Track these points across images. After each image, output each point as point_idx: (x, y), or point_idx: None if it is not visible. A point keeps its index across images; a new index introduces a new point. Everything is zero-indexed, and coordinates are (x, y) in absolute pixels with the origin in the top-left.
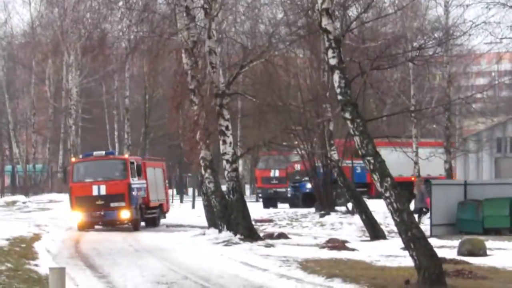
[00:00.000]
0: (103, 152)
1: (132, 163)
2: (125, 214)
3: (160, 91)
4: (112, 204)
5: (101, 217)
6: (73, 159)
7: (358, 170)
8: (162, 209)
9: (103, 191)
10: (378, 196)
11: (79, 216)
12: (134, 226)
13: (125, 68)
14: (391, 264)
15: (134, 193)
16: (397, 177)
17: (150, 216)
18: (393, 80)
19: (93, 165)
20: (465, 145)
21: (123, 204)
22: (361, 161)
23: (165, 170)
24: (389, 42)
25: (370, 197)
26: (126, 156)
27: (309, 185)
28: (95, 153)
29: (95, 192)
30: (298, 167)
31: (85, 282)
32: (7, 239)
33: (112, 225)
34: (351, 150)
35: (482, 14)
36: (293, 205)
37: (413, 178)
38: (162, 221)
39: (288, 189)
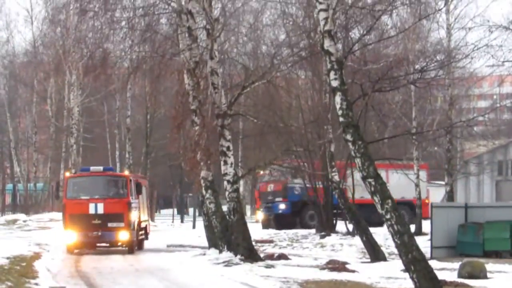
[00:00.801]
0: (101, 168)
1: (130, 180)
2: (123, 236)
3: (161, 111)
4: (110, 224)
5: (98, 238)
6: (67, 174)
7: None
8: (146, 230)
9: (100, 210)
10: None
11: (72, 236)
12: (129, 249)
13: (126, 88)
14: (391, 286)
15: (132, 213)
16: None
17: (140, 238)
18: (395, 102)
19: (89, 181)
20: (466, 168)
21: (122, 224)
22: None
23: (147, 187)
24: (391, 64)
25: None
26: (127, 173)
27: (282, 206)
28: (92, 168)
29: (91, 210)
30: (271, 187)
31: None
32: (8, 258)
33: (109, 246)
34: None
35: (484, 37)
36: (265, 226)
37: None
38: (163, 241)
39: (261, 210)
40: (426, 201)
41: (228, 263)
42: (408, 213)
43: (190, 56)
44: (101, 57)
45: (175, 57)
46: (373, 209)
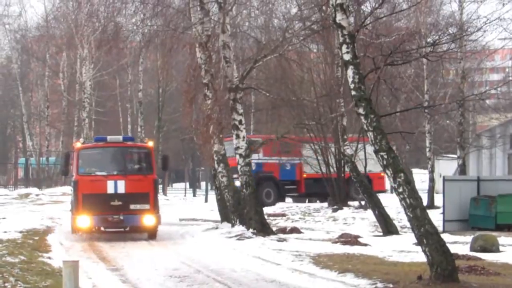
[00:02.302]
0: (120, 137)
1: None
2: (149, 220)
3: (173, 85)
4: (132, 206)
5: (119, 223)
6: (77, 144)
7: (287, 167)
8: None
9: (121, 188)
10: (308, 194)
11: (86, 220)
12: (151, 234)
13: (138, 62)
14: (403, 260)
15: (158, 192)
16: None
17: None
18: (407, 75)
19: (106, 154)
20: (478, 141)
21: (147, 206)
22: (289, 158)
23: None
24: (403, 37)
25: (300, 195)
26: (150, 143)
27: (236, 183)
28: (109, 138)
29: (110, 189)
30: None
31: (98, 275)
32: (20, 232)
33: (128, 231)
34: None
35: (497, 10)
36: None
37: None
38: (176, 215)
39: None
40: (381, 174)
41: (240, 237)
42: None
43: (202, 29)
44: (113, 31)
45: (187, 31)
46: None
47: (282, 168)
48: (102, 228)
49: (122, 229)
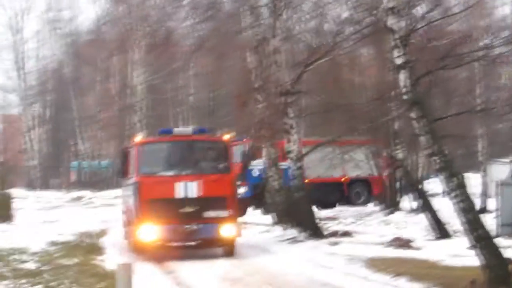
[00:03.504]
0: (190, 129)
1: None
2: (227, 231)
3: (224, 89)
4: (207, 214)
5: (192, 234)
6: (137, 139)
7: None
8: None
9: (193, 192)
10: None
11: (151, 232)
12: (228, 248)
13: (189, 66)
14: (456, 264)
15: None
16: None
17: None
18: (459, 79)
19: (173, 149)
20: None
21: (225, 214)
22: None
23: None
24: (455, 41)
25: None
26: (227, 136)
27: (241, 190)
28: (176, 130)
29: (179, 193)
30: None
31: (152, 278)
32: (74, 234)
33: (201, 246)
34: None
35: None
36: None
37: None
38: None
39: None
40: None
41: (292, 240)
42: (364, 190)
43: (253, 34)
44: (165, 35)
45: (238, 35)
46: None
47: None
48: (169, 242)
49: (193, 243)
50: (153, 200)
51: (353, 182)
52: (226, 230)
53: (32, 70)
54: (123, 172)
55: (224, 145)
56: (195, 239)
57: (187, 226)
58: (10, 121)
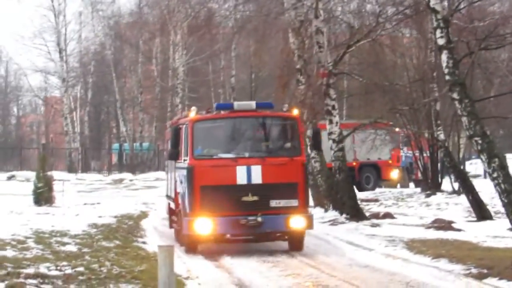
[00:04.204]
0: (253, 103)
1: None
2: (298, 223)
3: (266, 70)
4: (274, 203)
5: (255, 227)
6: (191, 114)
7: None
8: None
9: (257, 178)
10: None
11: (207, 224)
12: (296, 242)
13: (231, 48)
14: (497, 245)
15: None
16: None
17: None
18: (501, 60)
19: (234, 127)
20: None
21: (295, 203)
22: None
23: None
24: (497, 22)
25: None
26: (296, 112)
27: None
28: (237, 104)
29: (241, 179)
30: None
31: (193, 261)
32: (115, 217)
33: (262, 239)
34: None
35: None
36: None
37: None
38: None
39: None
40: (389, 161)
41: (333, 222)
42: (373, 175)
43: (295, 15)
44: (206, 16)
45: (280, 16)
46: None
47: None
48: (228, 236)
49: (252, 237)
50: (210, 187)
51: (363, 166)
52: (296, 222)
53: (74, 52)
54: (177, 154)
55: (294, 122)
56: (259, 232)
57: (251, 218)
58: (52, 103)
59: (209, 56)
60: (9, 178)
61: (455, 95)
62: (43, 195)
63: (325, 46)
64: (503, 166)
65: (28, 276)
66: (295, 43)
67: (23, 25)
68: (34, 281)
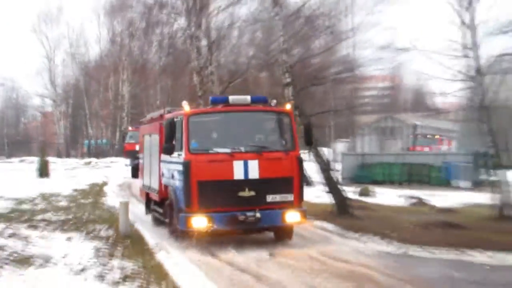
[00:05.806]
0: (248, 98)
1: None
2: (293, 218)
3: (179, 97)
4: (270, 198)
5: (253, 223)
6: (186, 108)
7: None
8: None
9: (254, 173)
10: None
11: (202, 220)
12: (284, 232)
13: (157, 83)
14: (319, 202)
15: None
16: None
17: None
18: (321, 92)
19: (229, 121)
20: None
21: (290, 197)
22: None
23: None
24: (318, 68)
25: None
26: (289, 107)
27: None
28: (232, 98)
29: (238, 173)
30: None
31: (139, 209)
32: (87, 185)
33: (258, 230)
34: None
35: None
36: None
37: None
38: None
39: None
40: None
41: None
42: None
43: (198, 63)
44: (142, 63)
45: (188, 64)
46: None
47: None
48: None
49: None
50: (207, 182)
51: None
52: (291, 216)
53: (60, 83)
54: (172, 148)
55: (289, 116)
56: (257, 227)
57: (249, 214)
58: (47, 115)
59: (144, 87)
60: (21, 161)
61: (296, 113)
62: (43, 171)
63: (215, 82)
64: (319, 155)
65: (39, 221)
66: (197, 80)
67: (30, 64)
68: (43, 224)
